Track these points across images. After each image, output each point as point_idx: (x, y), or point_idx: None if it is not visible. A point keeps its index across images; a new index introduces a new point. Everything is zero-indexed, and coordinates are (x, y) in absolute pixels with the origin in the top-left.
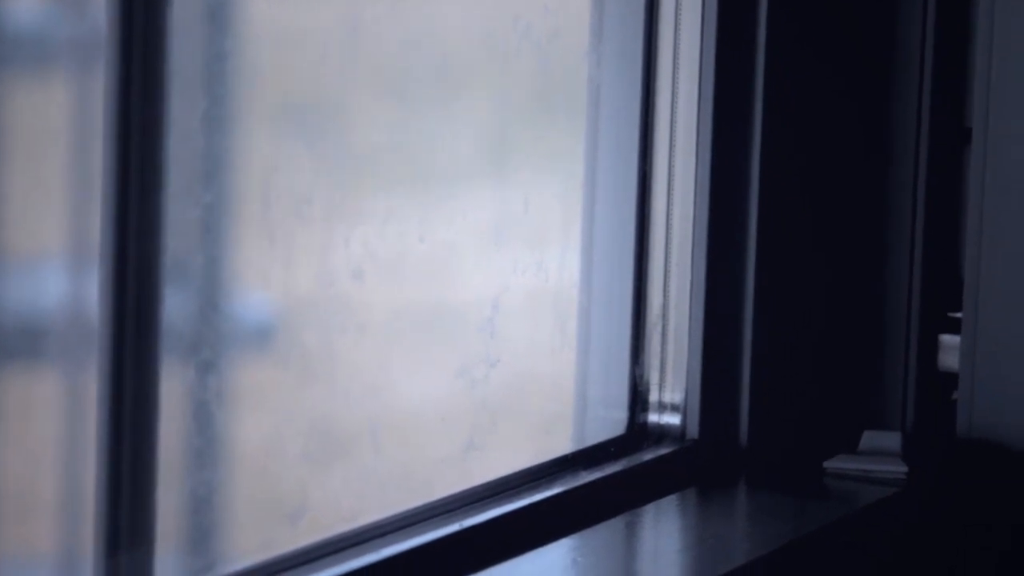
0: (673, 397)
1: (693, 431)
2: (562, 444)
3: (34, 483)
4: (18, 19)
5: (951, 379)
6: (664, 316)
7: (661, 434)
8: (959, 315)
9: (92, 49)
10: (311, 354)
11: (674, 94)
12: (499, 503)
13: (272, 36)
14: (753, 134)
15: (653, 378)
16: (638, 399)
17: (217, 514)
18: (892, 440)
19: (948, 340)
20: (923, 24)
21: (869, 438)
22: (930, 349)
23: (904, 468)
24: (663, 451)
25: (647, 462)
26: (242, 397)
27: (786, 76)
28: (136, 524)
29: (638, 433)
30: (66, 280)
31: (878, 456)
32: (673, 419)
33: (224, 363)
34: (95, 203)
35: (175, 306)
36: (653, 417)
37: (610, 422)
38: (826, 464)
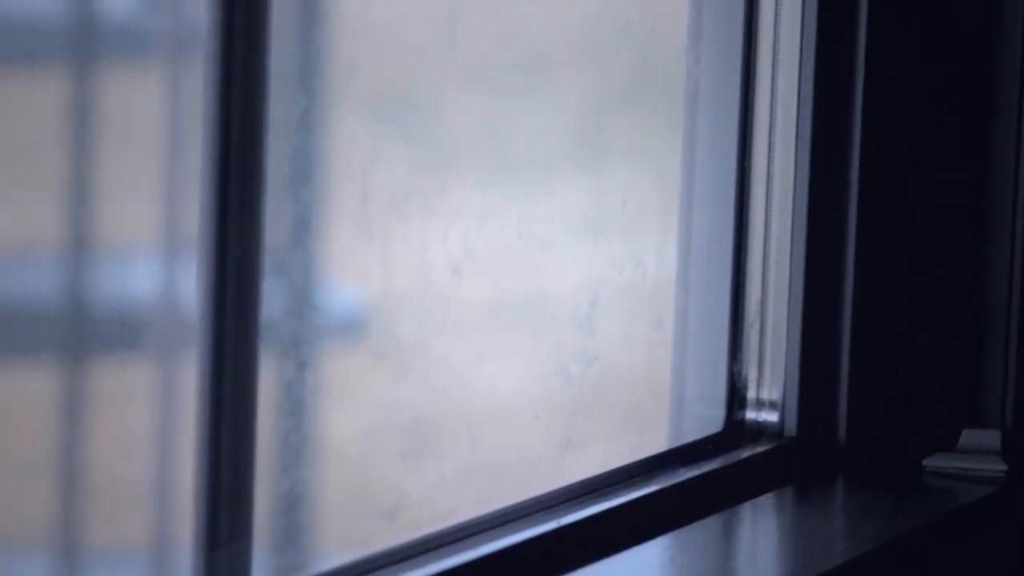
0: (771, 394)
1: (791, 429)
2: (659, 441)
3: (133, 476)
4: (118, 10)
5: None
6: (762, 313)
7: (759, 431)
8: None
9: (191, 42)
10: (407, 349)
11: (773, 91)
12: (596, 501)
13: (368, 30)
14: (853, 130)
15: (751, 375)
16: (736, 396)
17: (313, 510)
18: (991, 438)
19: None
20: None
21: (968, 436)
22: None
23: (1004, 466)
24: (761, 449)
25: (744, 460)
26: (338, 392)
27: (886, 73)
28: (234, 519)
29: (736, 430)
30: (165, 272)
31: (977, 454)
32: (771, 416)
33: (321, 358)
34: (194, 196)
35: (273, 301)
36: (751, 414)
37: (707, 419)
38: (925, 462)
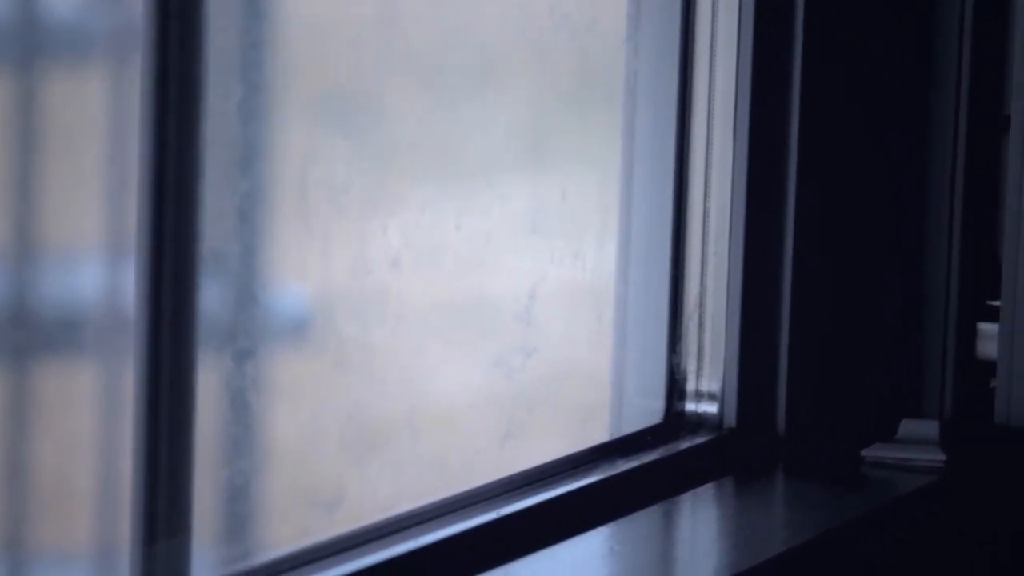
0: (710, 386)
1: (730, 420)
2: (599, 433)
3: (71, 474)
4: (54, 9)
5: (989, 367)
6: (701, 305)
7: (698, 423)
8: (998, 303)
9: (128, 39)
10: (348, 344)
11: (711, 82)
12: (536, 492)
13: (308, 25)
14: (791, 123)
15: (690, 367)
16: (675, 388)
17: (254, 503)
18: (930, 428)
19: (986, 328)
20: (961, 11)
21: (907, 426)
22: (968, 337)
23: (942, 456)
24: (700, 440)
25: (684, 451)
26: (279, 387)
27: (824, 64)
28: (173, 513)
29: (675, 422)
30: (103, 271)
31: (916, 444)
32: (710, 408)
33: (261, 353)
34: (132, 194)
35: (211, 296)
36: (690, 406)
37: (647, 411)
38: (864, 453)
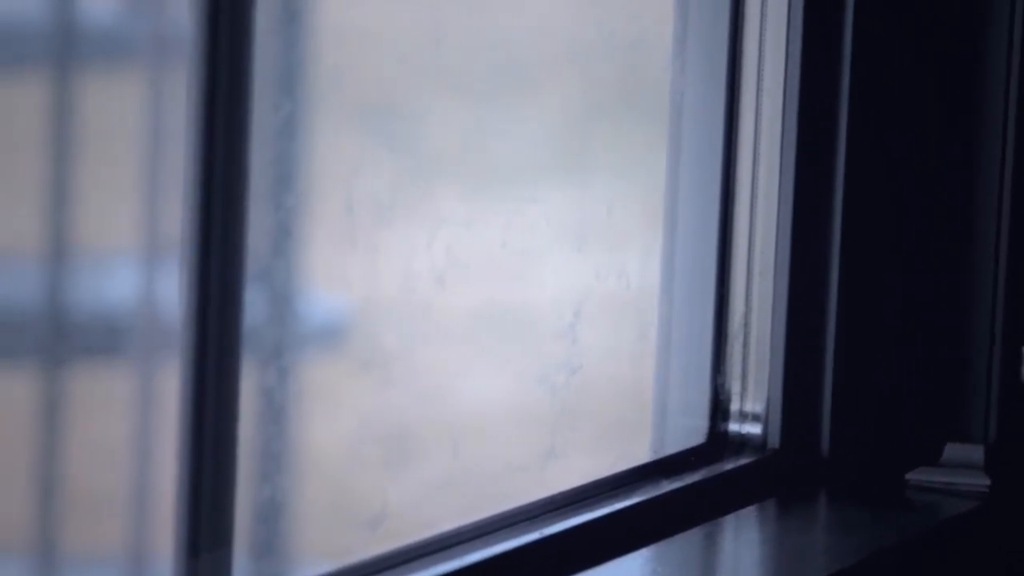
0: (754, 407)
1: (774, 441)
2: (642, 452)
3: (113, 483)
4: (99, 15)
5: None
6: (746, 325)
7: (742, 444)
8: None
9: (174, 46)
10: (391, 358)
11: (759, 101)
12: (578, 512)
13: (353, 38)
14: (838, 142)
15: (734, 387)
16: (719, 408)
17: (294, 518)
18: (975, 453)
19: None
20: (1010, 28)
21: (951, 450)
22: (1014, 361)
23: (987, 481)
24: (743, 461)
25: (727, 472)
26: (321, 400)
27: (872, 83)
28: (215, 527)
29: (718, 442)
30: (146, 278)
31: (960, 468)
32: (754, 429)
33: (303, 366)
34: (176, 201)
35: (255, 308)
36: (734, 426)
37: (690, 431)
38: (908, 476)
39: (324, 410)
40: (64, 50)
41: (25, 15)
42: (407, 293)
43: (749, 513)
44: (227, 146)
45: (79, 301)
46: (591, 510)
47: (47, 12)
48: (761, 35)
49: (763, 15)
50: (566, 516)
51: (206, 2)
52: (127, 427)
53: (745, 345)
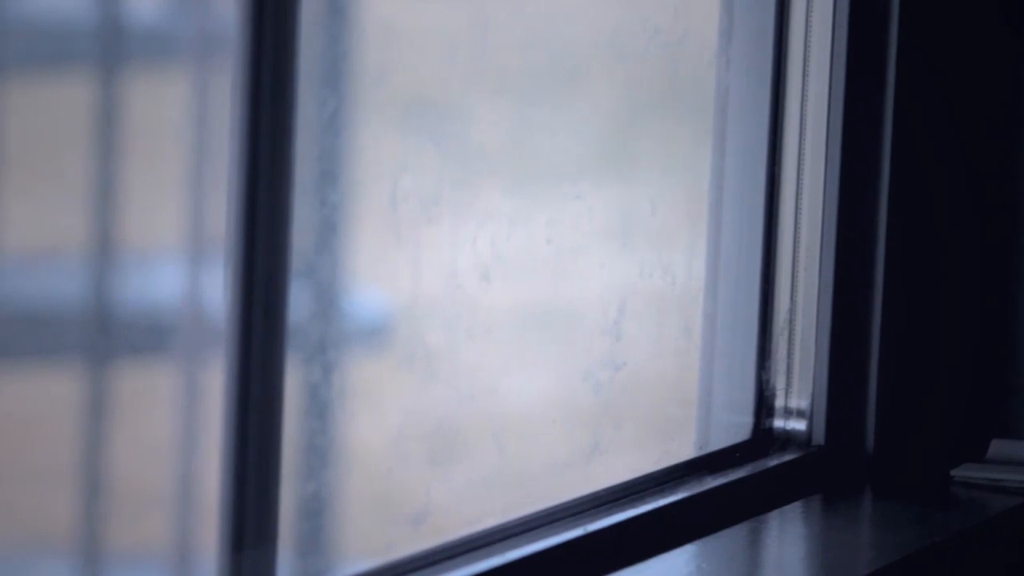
0: (799, 403)
1: (819, 437)
2: (686, 449)
3: (159, 480)
4: (145, 13)
5: None
6: (791, 321)
7: (786, 440)
8: None
9: (219, 44)
10: (435, 355)
11: (804, 97)
12: (623, 508)
13: (398, 35)
14: (884, 138)
15: (779, 383)
16: (764, 404)
17: (338, 514)
18: (1021, 449)
19: None
20: None
21: (997, 447)
22: None
23: None
24: (788, 457)
25: (772, 468)
26: (365, 397)
27: (919, 79)
28: (260, 523)
29: (763, 439)
30: (192, 276)
31: (1006, 465)
32: (799, 425)
33: (348, 363)
34: (221, 199)
35: (300, 304)
36: (779, 423)
37: (735, 427)
38: (953, 473)
39: (368, 406)
40: (110, 48)
41: (71, 13)
42: (451, 290)
43: (794, 509)
44: (272, 142)
45: (125, 299)
46: (635, 507)
47: (93, 11)
48: (807, 29)
49: (809, 9)
50: (610, 513)
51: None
52: (172, 424)
53: (790, 341)
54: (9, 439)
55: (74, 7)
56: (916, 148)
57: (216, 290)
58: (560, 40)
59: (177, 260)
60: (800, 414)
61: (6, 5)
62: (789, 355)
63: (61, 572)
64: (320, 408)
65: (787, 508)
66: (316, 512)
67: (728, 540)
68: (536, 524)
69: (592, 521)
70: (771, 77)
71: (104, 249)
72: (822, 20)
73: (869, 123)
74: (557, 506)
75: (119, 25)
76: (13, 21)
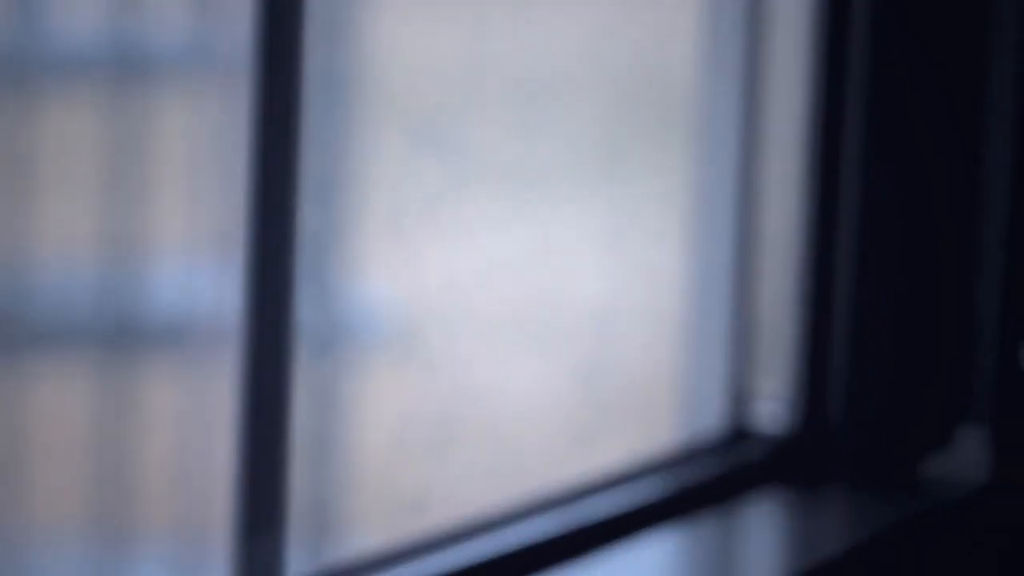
0: (771, 395)
1: (791, 429)
2: (666, 441)
3: (173, 471)
4: (159, 33)
5: None
6: (765, 319)
7: (759, 432)
8: None
9: (234, 65)
10: (435, 352)
11: (778, 109)
12: (605, 497)
13: (400, 52)
14: (853, 140)
15: (754, 379)
16: (739, 398)
17: (344, 501)
18: (983, 437)
19: None
20: (1020, 26)
21: (961, 435)
22: (1014, 350)
23: (995, 464)
24: (760, 449)
25: (745, 460)
26: (368, 392)
27: (890, 83)
28: (270, 509)
29: (737, 432)
30: (204, 278)
31: (969, 453)
32: (771, 418)
33: (353, 361)
34: (232, 205)
35: (306, 306)
36: (752, 416)
37: (712, 420)
38: (921, 459)
39: (372, 401)
40: (127, 67)
41: (89, 36)
42: (451, 291)
43: (766, 498)
44: (281, 154)
45: (139, 299)
46: (617, 495)
47: (109, 32)
48: (779, 56)
49: (783, 38)
50: (597, 500)
51: (261, 19)
52: (186, 419)
53: (765, 338)
54: (28, 432)
55: (89, 28)
56: (883, 149)
57: (227, 291)
58: (555, 58)
59: (191, 262)
60: (772, 407)
61: (26, 30)
62: (764, 352)
63: (77, 556)
64: (326, 402)
65: (760, 496)
66: (322, 501)
67: (703, 528)
68: (527, 511)
69: (579, 508)
70: (746, 88)
71: (118, 253)
72: (795, 32)
73: (834, 130)
74: (547, 494)
75: (137, 45)
76: (37, 44)
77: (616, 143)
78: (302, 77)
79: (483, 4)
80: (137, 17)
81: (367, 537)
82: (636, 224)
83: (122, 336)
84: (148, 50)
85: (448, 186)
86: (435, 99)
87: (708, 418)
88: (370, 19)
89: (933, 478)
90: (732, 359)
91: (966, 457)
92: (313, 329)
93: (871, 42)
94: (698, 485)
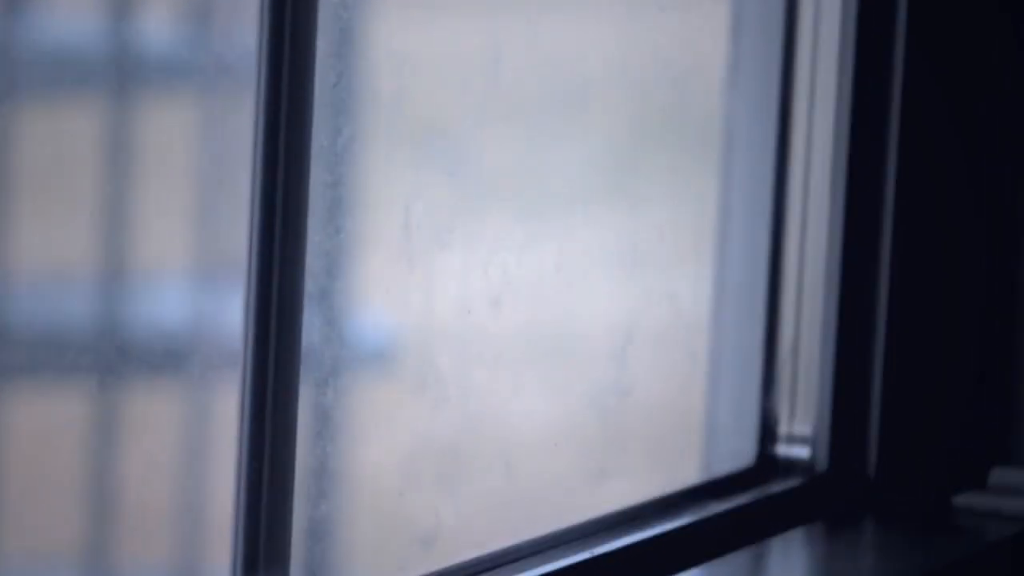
0: (802, 430)
1: (822, 464)
2: (691, 474)
3: (171, 500)
4: (160, 39)
5: None
6: (795, 349)
7: (789, 467)
8: None
9: (235, 71)
10: (445, 379)
11: (810, 126)
12: (627, 532)
13: (410, 64)
14: (889, 167)
15: (783, 410)
16: (767, 431)
17: (350, 535)
18: (1021, 477)
19: None
20: None
21: (998, 475)
22: None
23: None
24: (791, 484)
25: (775, 495)
26: (375, 420)
27: (925, 109)
28: (272, 543)
29: (767, 465)
30: (205, 300)
31: (1007, 493)
32: (802, 452)
33: (359, 386)
34: (236, 224)
35: (313, 328)
36: (782, 449)
37: (739, 453)
38: (955, 500)
39: (379, 429)
40: (124, 74)
41: (85, 39)
42: (461, 315)
43: (796, 536)
44: (288, 169)
45: (138, 322)
46: (640, 531)
47: (107, 37)
48: (813, 60)
49: (816, 40)
50: (616, 536)
51: (268, 27)
52: (186, 445)
53: (794, 368)
54: (23, 459)
55: (88, 33)
56: (922, 178)
57: (230, 313)
58: (570, 69)
59: (192, 283)
60: (803, 441)
61: (21, 32)
62: (793, 382)
63: None
64: (332, 430)
65: (790, 534)
66: (327, 533)
67: (731, 566)
68: (543, 547)
69: (597, 545)
70: (777, 107)
71: (117, 273)
72: (828, 50)
73: (874, 152)
74: (563, 529)
75: (134, 51)
76: (28, 48)
77: (638, 157)
78: (312, 88)
79: (498, 12)
80: (137, 22)
81: (373, 572)
82: (658, 245)
83: (120, 360)
84: (148, 57)
85: (460, 203)
86: (448, 111)
87: (734, 450)
88: (381, 28)
89: (967, 519)
90: (760, 388)
91: (1000, 498)
92: (319, 355)
93: (909, 52)
94: (723, 521)
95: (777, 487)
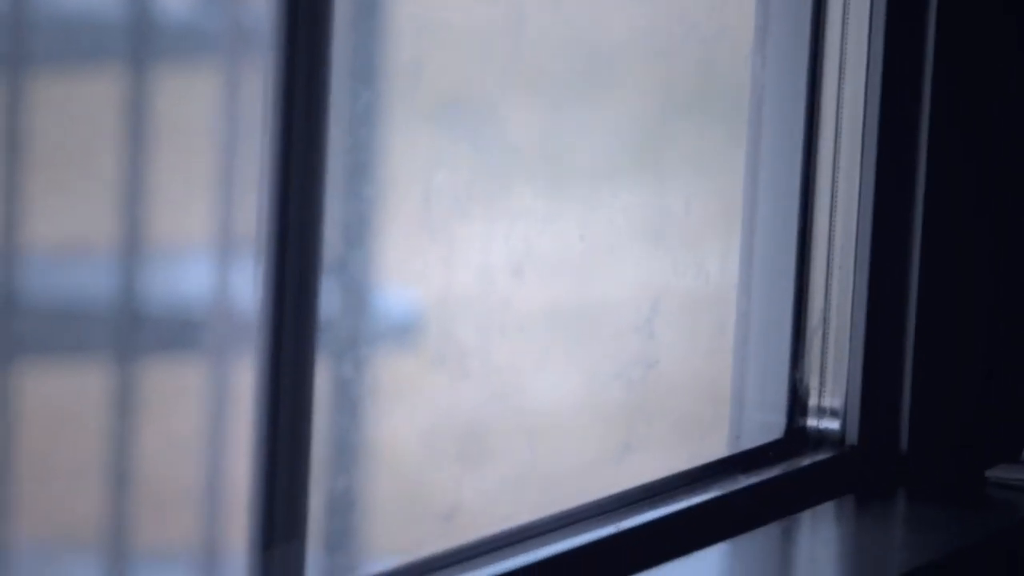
0: (833, 402)
1: (852, 437)
2: (719, 448)
3: (187, 476)
4: (177, 8)
5: None
6: (825, 320)
7: (820, 439)
8: None
9: (251, 39)
10: (467, 352)
11: (840, 95)
12: (654, 506)
13: (431, 31)
14: (920, 136)
15: (813, 382)
16: (797, 403)
17: (368, 511)
18: None
19: None
20: None
21: None
22: None
23: None
24: (821, 457)
25: (805, 468)
26: (395, 394)
27: (956, 77)
28: (289, 519)
29: (796, 438)
30: (222, 272)
31: None
32: (832, 424)
33: (378, 359)
34: (252, 195)
35: (331, 300)
36: (812, 422)
37: (768, 426)
38: (987, 473)
39: (399, 403)
40: (140, 43)
41: (102, 8)
42: (483, 287)
43: (827, 509)
44: (305, 137)
45: (155, 295)
46: (668, 504)
47: (124, 5)
48: (843, 26)
49: (845, 5)
50: (643, 510)
51: None
52: (202, 421)
53: (824, 340)
54: (39, 435)
55: (105, 2)
56: (955, 146)
57: (247, 286)
58: (595, 37)
59: (208, 256)
60: (833, 413)
61: (38, 1)
62: (823, 354)
63: (90, 569)
64: (350, 405)
65: (820, 508)
66: (346, 509)
67: (760, 540)
68: (567, 522)
69: (624, 519)
70: (807, 75)
71: (134, 245)
72: (859, 16)
73: (906, 121)
74: (589, 504)
75: (150, 20)
76: (44, 17)
77: (664, 130)
78: (330, 54)
79: None
80: None
81: (393, 549)
82: (684, 214)
83: (137, 333)
84: (164, 25)
85: (482, 173)
86: (470, 78)
87: (763, 423)
88: None
89: (999, 492)
90: (790, 360)
91: None
92: (337, 327)
93: (942, 17)
94: (751, 495)
95: (807, 460)
